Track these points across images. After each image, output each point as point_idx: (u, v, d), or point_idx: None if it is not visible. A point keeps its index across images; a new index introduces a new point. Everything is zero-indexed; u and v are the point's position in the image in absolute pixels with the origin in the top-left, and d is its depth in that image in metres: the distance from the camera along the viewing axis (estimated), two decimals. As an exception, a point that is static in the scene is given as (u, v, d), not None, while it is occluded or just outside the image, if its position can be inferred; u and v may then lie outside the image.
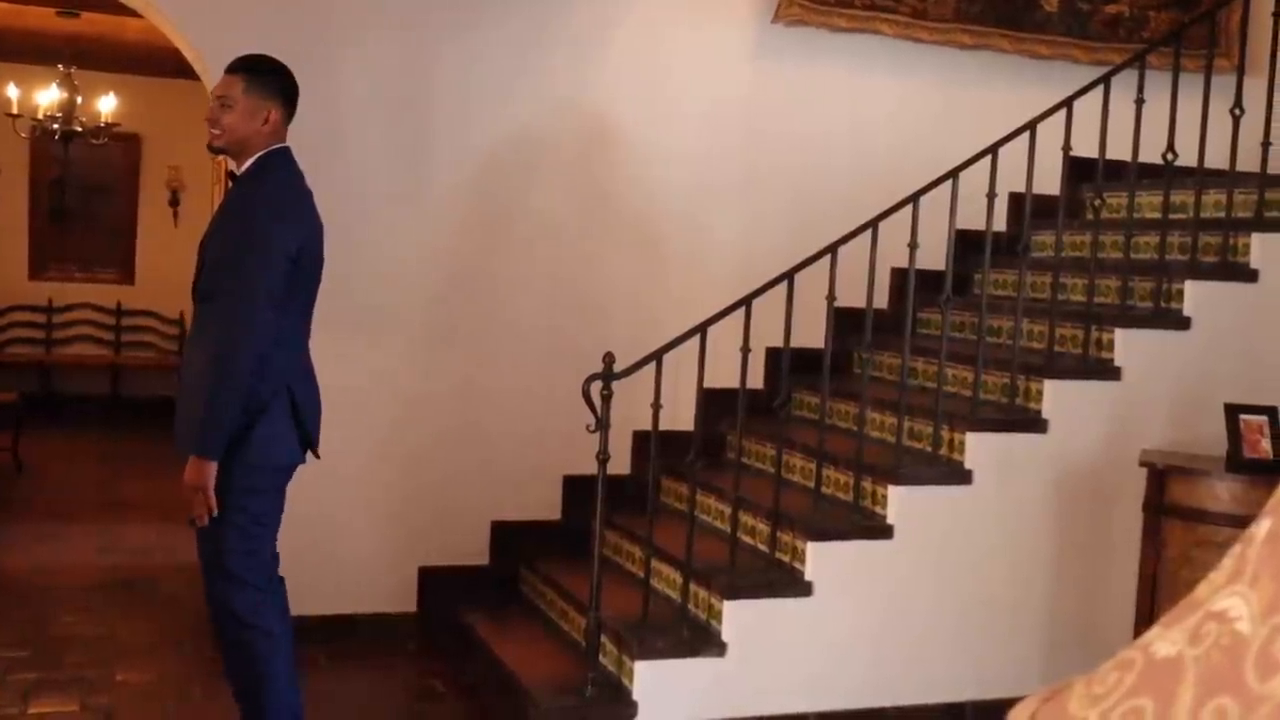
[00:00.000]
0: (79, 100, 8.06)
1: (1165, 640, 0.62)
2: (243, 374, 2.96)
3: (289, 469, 3.16)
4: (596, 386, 3.57)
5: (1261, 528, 0.60)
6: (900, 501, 3.92)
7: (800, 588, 3.82)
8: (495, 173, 4.69)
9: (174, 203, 9.64)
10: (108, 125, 8.24)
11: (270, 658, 3.11)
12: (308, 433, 3.15)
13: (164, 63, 7.44)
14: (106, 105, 8.25)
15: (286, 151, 3.17)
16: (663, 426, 3.75)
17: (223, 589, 3.09)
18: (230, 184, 3.21)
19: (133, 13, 4.96)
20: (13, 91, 7.85)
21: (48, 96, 8.04)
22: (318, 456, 3.23)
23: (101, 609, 4.83)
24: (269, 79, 3.16)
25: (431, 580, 4.65)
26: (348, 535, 4.45)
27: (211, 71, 4.38)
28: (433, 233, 4.62)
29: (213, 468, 2.97)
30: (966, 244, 4.42)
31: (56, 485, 7.11)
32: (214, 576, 3.11)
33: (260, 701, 3.14)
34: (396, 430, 4.59)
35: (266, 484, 3.11)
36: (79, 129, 8.06)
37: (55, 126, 8.02)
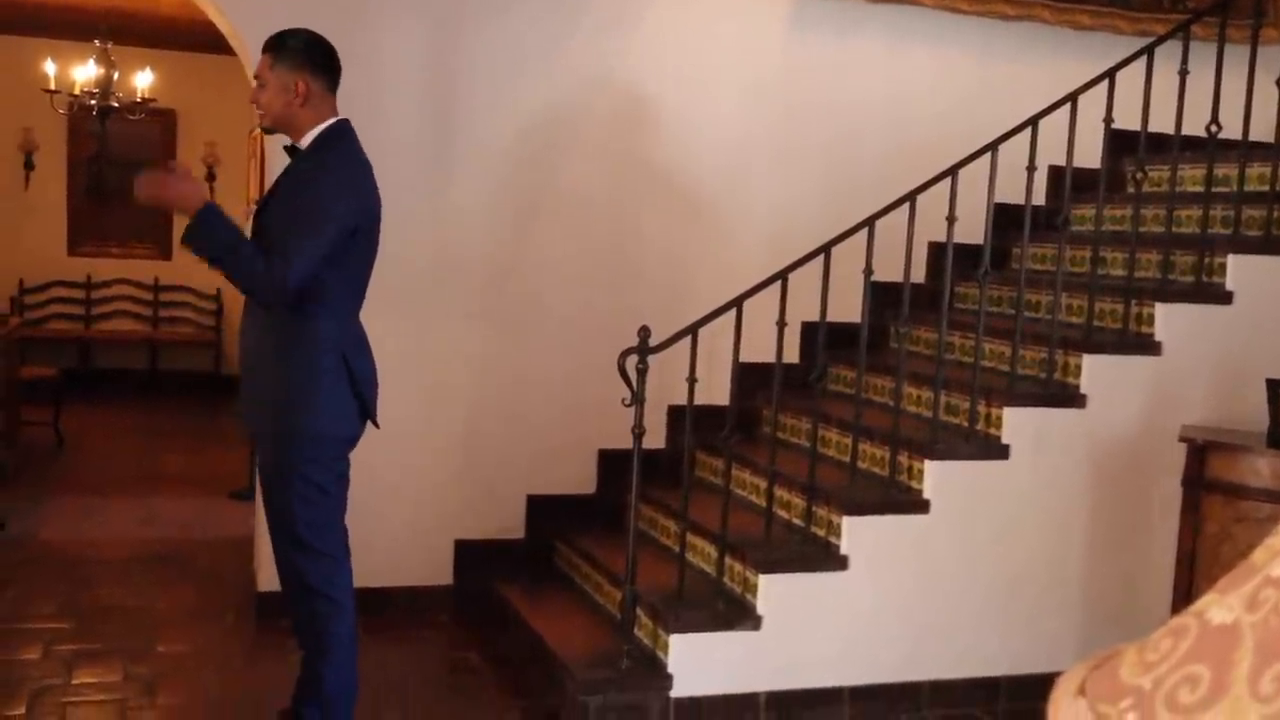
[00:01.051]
0: (116, 76, 8.10)
1: (1221, 606, 0.61)
2: (244, 273, 3.01)
3: (350, 440, 3.19)
4: (632, 360, 3.57)
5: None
6: (936, 476, 3.90)
7: (835, 562, 3.81)
8: (530, 150, 4.69)
9: (210, 178, 9.69)
10: (144, 101, 8.28)
11: (335, 626, 3.18)
12: (366, 403, 3.18)
13: (200, 38, 7.47)
14: (143, 81, 8.29)
15: (346, 124, 3.18)
16: (698, 401, 3.75)
17: (297, 559, 3.16)
18: (290, 158, 3.23)
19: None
20: (50, 68, 7.90)
21: (84, 72, 8.08)
22: (376, 426, 3.26)
23: (142, 581, 4.90)
24: (293, 51, 3.15)
25: (467, 553, 4.68)
26: (383, 509, 4.48)
27: (248, 46, 4.40)
28: (467, 209, 4.63)
29: (186, 205, 3.02)
30: (1005, 218, 4.37)
31: (96, 459, 7.20)
32: (286, 546, 3.18)
33: (319, 668, 3.21)
34: (432, 404, 4.61)
35: (328, 454, 3.14)
36: (116, 105, 8.11)
37: (92, 102, 8.07)
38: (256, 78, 3.20)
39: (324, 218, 3.03)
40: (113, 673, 3.92)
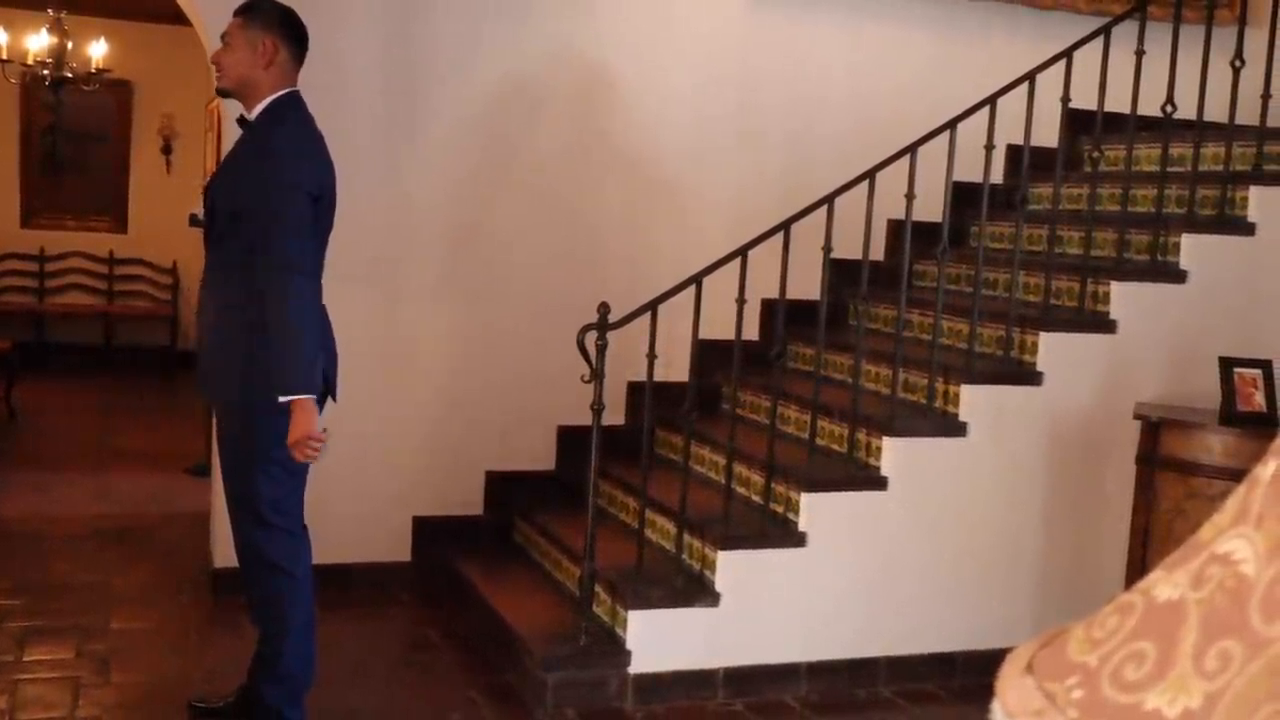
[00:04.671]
0: (70, 46, 7.96)
1: (1167, 583, 0.61)
2: (302, 313, 2.98)
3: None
4: (591, 337, 3.56)
5: (1268, 469, 0.59)
6: (894, 453, 3.93)
7: (794, 538, 3.83)
8: (491, 123, 4.65)
9: (166, 150, 9.56)
10: (99, 72, 8.15)
11: (294, 603, 3.18)
12: (326, 376, 3.15)
13: (156, 8, 7.35)
14: (98, 51, 8.15)
15: (297, 95, 3.17)
16: (658, 377, 3.75)
17: (256, 534, 3.14)
18: (242, 129, 3.19)
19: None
20: (1, 37, 7.75)
21: (38, 42, 7.94)
22: (334, 400, 3.24)
23: (96, 557, 4.84)
24: (266, 15, 3.16)
25: (426, 530, 4.66)
26: (342, 485, 4.45)
27: (204, 17, 4.33)
28: (427, 183, 4.59)
29: (312, 407, 2.99)
30: (963, 196, 4.39)
31: (50, 434, 7.11)
32: (246, 523, 3.15)
33: (277, 646, 3.20)
34: (391, 380, 4.58)
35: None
36: (70, 75, 7.97)
37: (46, 73, 7.93)
38: (223, 37, 3.18)
39: (290, 189, 3.01)
40: (66, 650, 3.88)
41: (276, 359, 2.97)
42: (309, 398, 2.98)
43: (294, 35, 3.18)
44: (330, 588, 4.39)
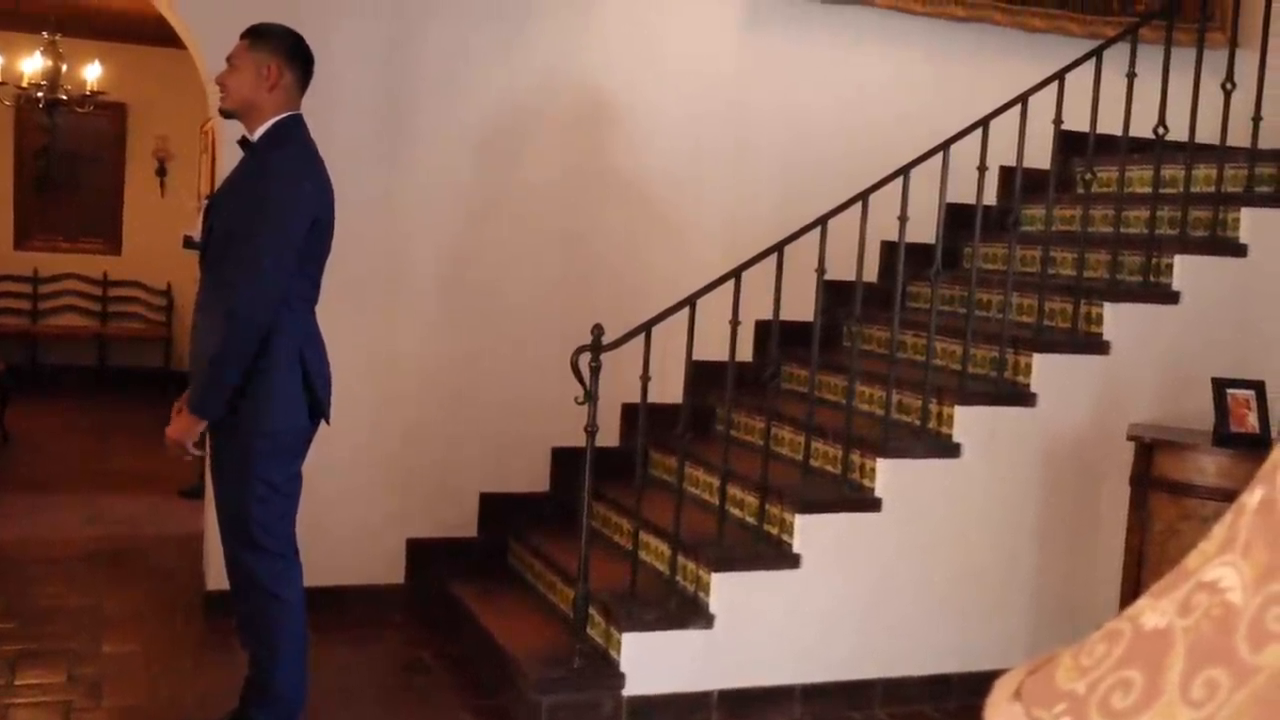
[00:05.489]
0: (64, 68, 7.98)
1: (1155, 611, 0.61)
2: (249, 340, 2.99)
3: (304, 433, 3.16)
4: (585, 358, 3.56)
5: (1254, 497, 0.59)
6: (888, 474, 3.92)
7: (788, 560, 3.82)
8: (483, 145, 4.66)
9: (161, 172, 9.57)
10: (93, 94, 8.17)
11: (285, 627, 3.16)
12: (319, 399, 3.15)
13: (150, 31, 7.37)
14: (92, 73, 8.17)
15: (299, 118, 3.18)
16: (651, 399, 3.75)
17: (247, 558, 3.13)
18: (243, 151, 3.20)
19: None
20: (-4, 59, 7.77)
21: (32, 65, 7.96)
22: (328, 423, 3.24)
23: (88, 580, 4.82)
24: (273, 40, 3.18)
25: (419, 552, 4.65)
26: (335, 507, 4.44)
27: (197, 39, 4.34)
28: (421, 205, 4.60)
29: (200, 426, 3.06)
30: (956, 217, 4.40)
31: (43, 456, 7.09)
32: (236, 545, 3.15)
33: (270, 669, 3.18)
34: (384, 402, 4.58)
35: (282, 451, 3.11)
36: (64, 97, 7.99)
37: (40, 95, 7.95)
38: (229, 58, 3.20)
39: (280, 212, 3.02)
40: (57, 674, 3.86)
41: (212, 365, 3.00)
42: (201, 423, 3.06)
43: (300, 60, 3.19)
44: (323, 610, 4.38)
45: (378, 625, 4.47)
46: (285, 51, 3.17)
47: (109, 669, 3.92)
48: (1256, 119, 4.37)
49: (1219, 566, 0.59)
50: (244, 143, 3.20)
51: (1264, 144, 4.42)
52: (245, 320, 2.98)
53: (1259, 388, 3.94)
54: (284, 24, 3.27)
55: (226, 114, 3.28)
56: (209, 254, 3.16)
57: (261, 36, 3.18)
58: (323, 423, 3.22)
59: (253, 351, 3.00)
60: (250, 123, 3.17)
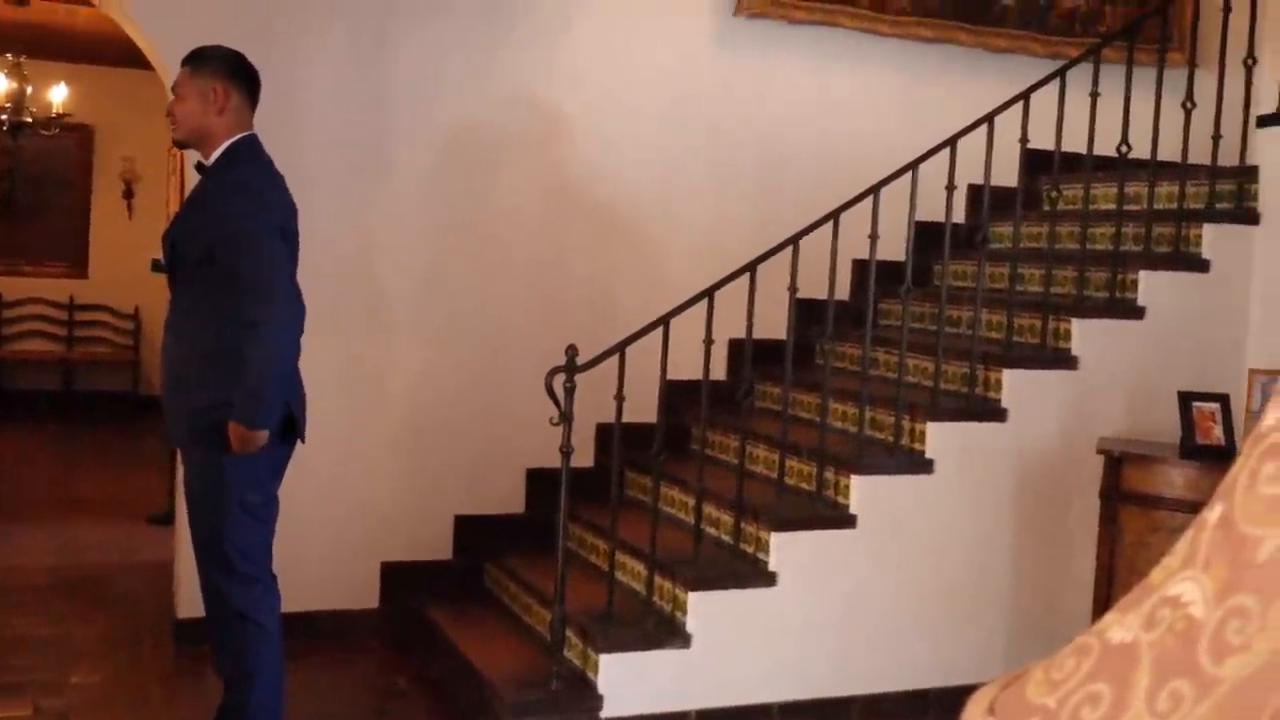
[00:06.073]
0: (29, 90, 7.94)
1: (1121, 626, 0.63)
2: (287, 346, 3.03)
3: (277, 456, 3.15)
4: (559, 379, 3.57)
5: (1214, 513, 0.61)
6: (862, 491, 3.95)
7: (764, 578, 3.83)
8: (456, 166, 4.67)
9: (128, 195, 9.52)
10: (59, 116, 8.13)
11: (262, 653, 3.14)
12: (295, 418, 3.14)
13: (117, 52, 7.34)
14: (58, 95, 8.14)
15: (254, 138, 3.18)
16: (626, 419, 3.75)
17: (223, 583, 3.10)
18: (200, 175, 3.20)
19: (84, 1, 4.89)
20: (-38, 83, 7.72)
21: (-2, 88, 7.91)
22: (303, 442, 3.22)
23: (55, 609, 4.77)
24: (214, 63, 3.16)
25: (395, 576, 4.63)
26: (309, 531, 4.42)
27: (165, 61, 4.33)
28: (393, 225, 4.60)
29: (264, 437, 2.99)
30: (926, 235, 4.44)
31: (8, 483, 7.01)
32: (212, 570, 3.12)
33: (245, 695, 3.15)
34: (358, 424, 4.56)
35: (261, 471, 3.10)
36: (29, 120, 7.94)
37: (4, 117, 7.89)
38: (174, 89, 3.20)
39: (266, 223, 3.03)
40: (22, 706, 3.80)
41: (245, 395, 2.96)
42: (263, 434, 3.00)
43: (244, 78, 3.18)
44: (298, 636, 4.34)
45: (353, 650, 4.44)
46: (228, 72, 3.15)
47: (77, 700, 3.88)
48: (1216, 137, 4.45)
49: (1181, 581, 0.60)
50: (200, 167, 3.21)
51: (1224, 161, 4.49)
52: (286, 342, 3.02)
53: (1224, 400, 3.99)
54: (226, 45, 3.26)
55: (181, 144, 3.28)
56: (176, 275, 3.16)
57: (202, 60, 3.16)
58: (298, 444, 3.22)
59: (291, 356, 3.07)
60: (206, 149, 3.16)
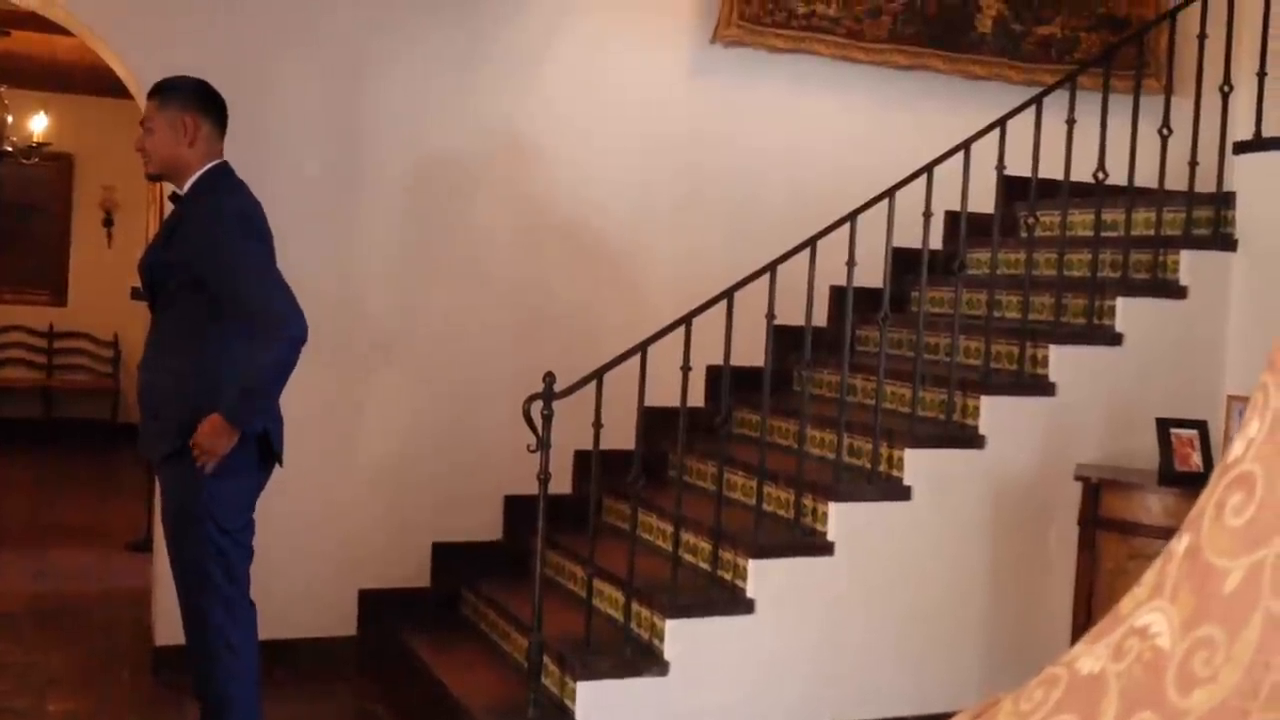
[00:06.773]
0: (9, 119, 7.91)
1: (1089, 656, 0.62)
2: (291, 363, 3.06)
3: (255, 479, 3.13)
4: (537, 406, 3.56)
5: (1181, 543, 0.61)
6: (840, 518, 3.94)
7: (742, 605, 3.82)
8: (434, 195, 4.67)
9: (108, 223, 9.49)
10: (39, 145, 8.10)
11: (239, 678, 3.12)
12: (272, 441, 3.13)
13: (97, 81, 7.32)
14: (38, 125, 8.12)
15: (227, 165, 3.19)
16: (604, 446, 3.74)
17: (202, 607, 3.08)
18: (175, 205, 3.19)
19: (64, 31, 4.89)
20: (-60, 110, 7.69)
21: (-24, 115, 7.88)
22: (281, 466, 3.21)
23: (33, 636, 4.72)
24: (181, 94, 3.17)
25: (371, 603, 4.59)
26: (285, 558, 4.38)
27: (145, 89, 4.32)
28: (369, 253, 4.59)
29: (233, 439, 3.00)
30: (903, 262, 4.46)
31: (-15, 511, 6.95)
32: (191, 594, 3.10)
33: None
34: (334, 452, 4.54)
35: (240, 494, 3.09)
36: (9, 149, 7.92)
37: (-16, 146, 7.87)
38: (142, 123, 3.19)
39: (255, 244, 3.04)
40: (-2, 736, 3.78)
41: (240, 392, 2.98)
42: (236, 432, 3.01)
43: (213, 107, 3.19)
44: (274, 663, 4.31)
45: (329, 678, 4.40)
46: (196, 102, 3.16)
47: (53, 729, 3.84)
48: (1193, 163, 4.48)
49: (1149, 612, 0.60)
50: (175, 197, 3.21)
51: (1200, 187, 4.53)
52: (291, 359, 3.07)
53: (1202, 427, 4.01)
54: (196, 76, 3.27)
55: (154, 178, 3.29)
56: (156, 301, 3.16)
57: (169, 92, 3.17)
58: (276, 469, 3.20)
59: (288, 372, 3.10)
60: (179, 180, 3.18)
